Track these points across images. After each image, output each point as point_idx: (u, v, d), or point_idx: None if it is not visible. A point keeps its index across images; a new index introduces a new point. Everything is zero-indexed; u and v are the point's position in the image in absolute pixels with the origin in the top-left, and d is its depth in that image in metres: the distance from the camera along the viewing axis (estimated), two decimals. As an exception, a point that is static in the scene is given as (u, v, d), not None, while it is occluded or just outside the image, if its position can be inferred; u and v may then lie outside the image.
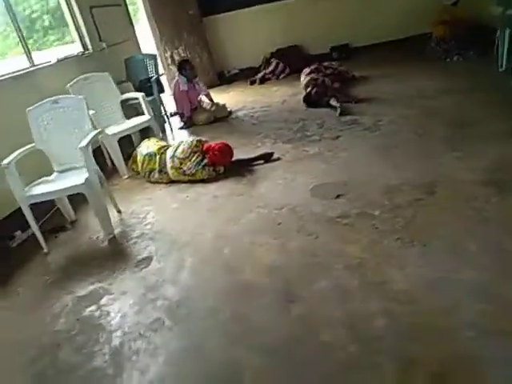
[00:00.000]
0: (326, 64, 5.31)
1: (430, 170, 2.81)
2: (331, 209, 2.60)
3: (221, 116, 4.99)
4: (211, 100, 5.15)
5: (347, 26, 6.56)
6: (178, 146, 3.49)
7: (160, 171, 3.50)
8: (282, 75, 6.40)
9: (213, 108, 5.00)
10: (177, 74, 4.89)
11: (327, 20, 6.56)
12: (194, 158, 3.39)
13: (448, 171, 2.74)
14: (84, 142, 2.73)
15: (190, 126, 4.97)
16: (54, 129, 2.98)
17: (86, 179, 2.67)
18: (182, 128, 4.97)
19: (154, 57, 5.13)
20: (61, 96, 3.02)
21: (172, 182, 3.52)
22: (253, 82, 6.42)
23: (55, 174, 3.03)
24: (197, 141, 3.47)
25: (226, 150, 3.42)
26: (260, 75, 6.47)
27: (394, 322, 1.69)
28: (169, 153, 3.50)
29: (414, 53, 5.95)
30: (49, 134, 2.98)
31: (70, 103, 2.99)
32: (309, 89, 4.69)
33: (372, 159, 3.16)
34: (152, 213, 3.08)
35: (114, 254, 2.66)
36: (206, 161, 3.38)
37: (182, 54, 6.43)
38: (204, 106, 5.07)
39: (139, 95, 3.99)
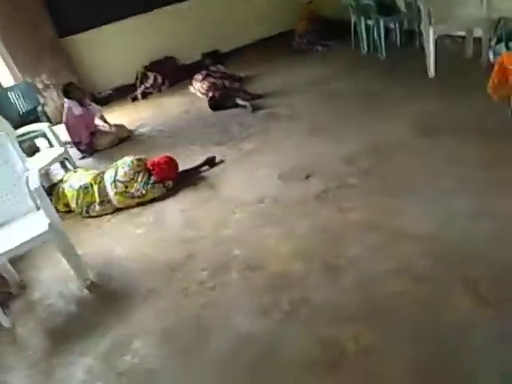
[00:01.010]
0: (213, 69, 5.42)
1: (369, 136, 3.19)
2: (310, 188, 2.75)
3: (124, 136, 4.67)
4: (106, 121, 4.77)
5: (215, 32, 6.76)
6: (117, 170, 3.17)
7: (101, 202, 3.13)
8: (164, 87, 6.28)
9: (113, 129, 4.64)
10: (65, 100, 4.37)
11: (195, 28, 6.65)
12: (139, 178, 3.13)
13: (384, 133, 3.16)
14: (34, 183, 2.28)
15: (91, 153, 4.51)
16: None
17: (50, 224, 2.25)
18: (83, 157, 4.48)
19: (30, 85, 4.49)
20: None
21: (117, 210, 3.20)
22: (134, 99, 6.13)
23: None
24: (137, 160, 3.21)
25: (172, 162, 3.26)
26: (140, 90, 6.21)
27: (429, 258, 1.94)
28: (108, 179, 3.15)
29: (282, 48, 6.50)
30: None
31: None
32: (211, 93, 4.75)
33: (312, 141, 3.41)
34: (119, 246, 2.74)
35: (106, 300, 2.31)
36: (153, 178, 3.16)
37: (47, 82, 5.73)
38: (102, 128, 4.66)
39: (44, 126, 3.48)
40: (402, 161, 2.77)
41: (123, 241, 2.79)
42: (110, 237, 2.89)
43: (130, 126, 4.93)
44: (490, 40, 3.60)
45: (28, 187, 2.42)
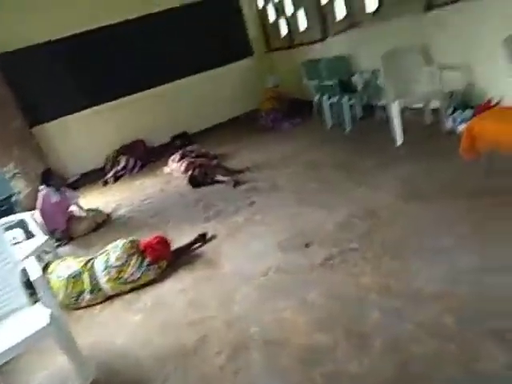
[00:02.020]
0: (189, 149, 5.57)
1: (356, 202, 3.32)
2: (313, 256, 2.75)
3: (101, 220, 4.54)
4: (81, 207, 4.64)
5: (184, 114, 7.10)
6: (108, 255, 3.04)
7: (92, 291, 2.93)
8: (135, 169, 6.31)
9: (90, 213, 4.51)
10: (42, 187, 4.25)
11: (164, 112, 6.95)
12: (133, 262, 3.00)
13: (371, 199, 3.31)
14: (36, 273, 2.13)
15: (68, 240, 4.31)
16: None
17: (52, 316, 2.07)
18: (59, 246, 4.25)
19: (2, 175, 4.34)
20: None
21: (108, 298, 3.00)
22: (106, 183, 6.09)
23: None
24: (130, 242, 3.10)
25: (165, 241, 3.18)
26: (111, 174, 6.20)
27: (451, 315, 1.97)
28: (99, 265, 2.99)
29: (251, 127, 6.87)
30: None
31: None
32: (190, 172, 4.82)
33: (301, 210, 3.49)
34: (119, 337, 2.53)
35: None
36: (147, 260, 3.04)
37: (15, 171, 5.58)
38: (77, 214, 4.51)
39: (26, 215, 3.32)
40: (395, 224, 2.87)
41: (123, 330, 2.59)
42: (108, 327, 2.67)
43: (105, 210, 4.84)
44: (446, 109, 4.03)
45: (23, 279, 2.26)
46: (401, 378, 1.73)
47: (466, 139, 2.98)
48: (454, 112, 3.97)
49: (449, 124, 4.01)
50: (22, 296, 2.35)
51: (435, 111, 4.24)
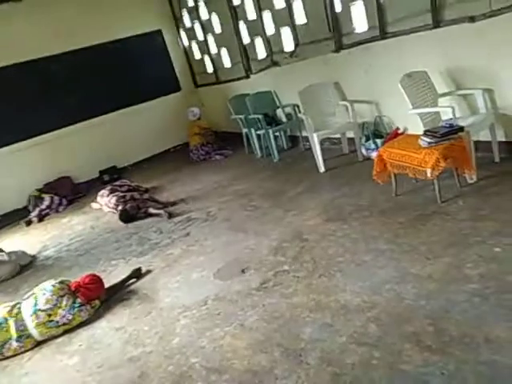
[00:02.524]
0: (118, 183, 5.47)
1: (286, 227, 3.52)
2: (249, 281, 2.87)
3: (26, 263, 4.27)
4: (1, 250, 4.34)
5: (111, 148, 6.97)
6: (37, 298, 2.88)
7: (19, 338, 2.75)
8: (61, 207, 6.03)
9: (12, 257, 4.22)
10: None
11: (90, 147, 6.77)
12: (64, 303, 2.87)
13: (299, 223, 3.53)
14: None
15: (-13, 288, 3.98)
16: None
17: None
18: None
19: None
20: None
21: (38, 344, 2.83)
22: (29, 223, 5.73)
23: None
24: (59, 283, 2.97)
25: (98, 280, 3.09)
26: (35, 213, 5.85)
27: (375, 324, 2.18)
28: (26, 310, 2.82)
29: (181, 160, 6.94)
30: None
31: None
32: (120, 206, 4.74)
33: (236, 237, 3.61)
34: (52, 383, 2.41)
35: None
36: (79, 300, 2.93)
37: None
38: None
39: None
40: (322, 244, 3.09)
41: (56, 376, 2.47)
42: (39, 375, 2.52)
43: (30, 251, 4.56)
44: (360, 139, 4.47)
45: None
46: (336, 388, 1.87)
47: (377, 165, 3.36)
48: (367, 141, 4.42)
49: (363, 152, 4.45)
50: None
51: (351, 140, 4.67)
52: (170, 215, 4.46)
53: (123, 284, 3.29)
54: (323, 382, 1.91)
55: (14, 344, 2.75)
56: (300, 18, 5.01)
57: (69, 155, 6.65)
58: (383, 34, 4.08)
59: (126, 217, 4.67)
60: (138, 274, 3.38)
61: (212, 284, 2.98)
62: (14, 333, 2.76)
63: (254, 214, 4.01)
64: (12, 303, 2.97)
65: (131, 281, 3.33)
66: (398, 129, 4.18)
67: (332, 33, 4.60)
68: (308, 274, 2.77)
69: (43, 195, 6.10)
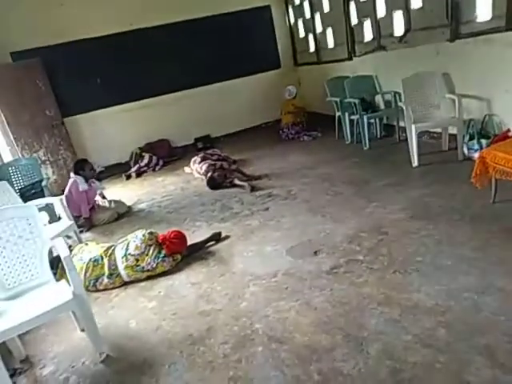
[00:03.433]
0: (210, 152, 5.79)
1: (366, 218, 3.46)
2: (320, 264, 2.90)
3: (123, 211, 4.77)
4: (104, 197, 4.89)
5: (207, 119, 7.36)
6: (128, 243, 3.24)
7: (110, 275, 3.13)
8: (158, 167, 6.57)
9: (112, 205, 4.74)
10: (72, 174, 4.50)
11: (189, 115, 7.23)
12: (150, 252, 3.20)
13: (380, 216, 3.44)
14: (65, 252, 2.33)
15: (89, 227, 4.54)
16: (-3, 247, 2.43)
17: (74, 293, 2.26)
18: (81, 232, 4.48)
19: (34, 160, 4.61)
20: (1, 207, 2.53)
21: (125, 284, 3.19)
22: (129, 177, 6.36)
23: (3, 303, 2.40)
24: (149, 233, 3.30)
25: (182, 236, 3.36)
26: (134, 169, 6.46)
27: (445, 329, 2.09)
28: (119, 252, 3.20)
29: (270, 137, 7.08)
30: (-9, 253, 2.41)
31: (15, 213, 2.52)
32: (210, 173, 5.02)
33: (313, 219, 3.64)
34: (132, 320, 2.71)
35: (126, 374, 2.24)
36: (164, 252, 3.23)
37: (44, 158, 5.89)
38: (101, 204, 4.75)
39: (55, 199, 3.55)
40: (401, 241, 3.00)
41: (136, 314, 2.77)
42: (122, 310, 2.86)
43: (127, 202, 5.07)
44: (464, 137, 4.15)
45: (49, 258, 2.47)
46: (391, 382, 1.86)
47: (478, 167, 3.11)
48: (470, 140, 4.09)
49: (464, 151, 4.13)
50: (49, 272, 2.56)
51: (452, 137, 4.35)
52: (253, 188, 4.62)
53: (203, 244, 3.53)
54: (381, 374, 1.91)
55: (106, 280, 3.14)
56: (416, 1, 4.70)
57: (169, 120, 7.16)
58: (509, 25, 3.68)
59: (214, 184, 4.94)
60: (217, 238, 3.60)
61: (284, 259, 3.07)
62: (106, 270, 3.15)
63: (335, 200, 3.98)
64: (108, 244, 3.37)
65: (211, 243, 3.56)
66: (508, 131, 3.80)
67: (449, 20, 4.26)
68: (382, 267, 2.72)
69: (144, 154, 6.68)
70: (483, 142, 3.93)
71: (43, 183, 4.34)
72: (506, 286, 2.29)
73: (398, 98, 5.05)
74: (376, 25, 5.48)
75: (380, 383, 1.86)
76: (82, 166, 4.52)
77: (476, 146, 3.97)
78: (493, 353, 1.88)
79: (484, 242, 2.74)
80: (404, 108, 4.23)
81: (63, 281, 2.51)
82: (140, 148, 6.84)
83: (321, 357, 2.07)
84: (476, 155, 3.80)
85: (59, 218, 4.05)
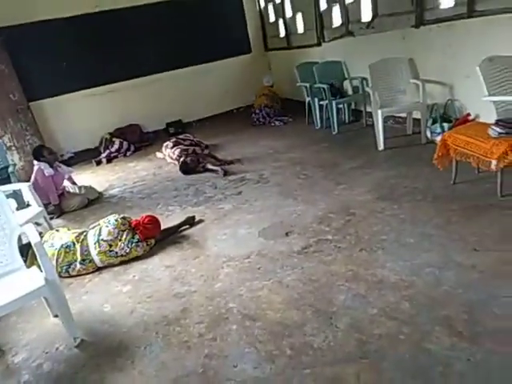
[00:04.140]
0: (182, 137, 5.75)
1: (335, 199, 3.58)
2: (291, 244, 3.00)
3: (94, 197, 4.71)
4: (74, 183, 4.80)
5: (179, 104, 7.27)
6: (101, 229, 3.22)
7: (83, 261, 3.12)
8: (129, 153, 6.48)
9: (83, 190, 4.66)
10: (35, 161, 4.38)
11: (160, 99, 7.12)
12: (124, 237, 3.19)
13: (348, 197, 3.57)
14: (35, 238, 2.31)
15: (59, 214, 4.46)
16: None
17: (46, 279, 2.25)
18: (51, 219, 4.39)
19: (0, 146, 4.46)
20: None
21: (98, 269, 3.19)
22: (99, 162, 6.25)
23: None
24: (122, 218, 3.29)
25: (156, 221, 3.37)
26: (104, 155, 6.35)
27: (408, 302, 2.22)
28: (91, 238, 3.18)
29: (242, 122, 7.10)
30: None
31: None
32: (182, 158, 5.01)
33: (284, 202, 3.73)
34: (107, 304, 2.73)
35: (101, 357, 2.27)
36: (137, 237, 3.24)
37: (9, 143, 5.69)
38: (70, 190, 4.66)
39: (23, 185, 3.47)
40: (368, 220, 3.13)
41: (110, 298, 2.79)
42: (96, 295, 2.87)
43: (98, 188, 5.00)
44: (427, 121, 4.31)
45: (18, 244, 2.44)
46: (359, 354, 1.98)
47: (440, 149, 3.26)
48: (433, 124, 4.26)
49: (427, 135, 4.30)
50: (19, 259, 2.53)
51: (416, 121, 4.52)
52: (226, 173, 4.66)
53: (177, 228, 3.56)
54: (349, 346, 2.02)
55: (78, 266, 3.13)
56: (383, -13, 4.79)
57: (140, 104, 7.04)
58: (470, 12, 3.82)
59: (186, 169, 4.94)
60: (191, 222, 3.63)
61: (256, 241, 3.15)
62: (79, 256, 3.13)
63: (305, 183, 4.08)
64: (79, 230, 3.34)
65: (184, 227, 3.59)
66: (468, 115, 3.99)
67: (414, 6, 4.37)
68: (349, 245, 2.84)
69: (114, 139, 6.57)
70: (445, 125, 4.11)
71: (9, 169, 4.21)
72: (464, 261, 2.45)
73: (365, 83, 5.17)
74: (344, 10, 5.54)
75: (348, 355, 1.97)
76: (40, 152, 4.42)
77: (438, 130, 4.14)
78: (451, 323, 2.03)
79: (445, 220, 2.91)
80: (371, 93, 4.35)
81: (34, 267, 2.49)
82: (110, 133, 6.71)
83: (292, 332, 2.17)
84: (438, 138, 3.97)
85: (28, 205, 3.98)
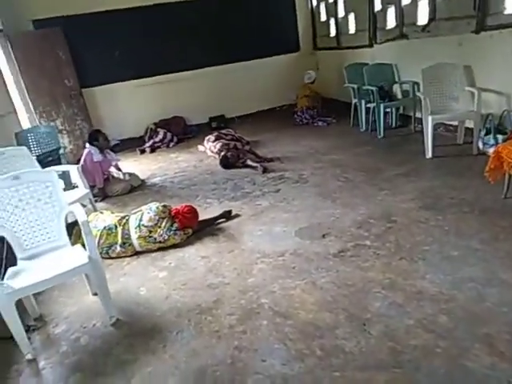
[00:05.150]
0: (224, 131, 5.82)
1: (376, 205, 3.49)
2: (328, 246, 2.96)
3: (136, 185, 4.86)
4: (119, 169, 4.97)
5: (223, 99, 7.37)
6: (142, 215, 3.32)
7: (123, 244, 3.23)
8: (172, 144, 6.63)
9: (127, 177, 4.82)
10: (87, 144, 4.58)
11: (205, 94, 7.24)
12: (163, 224, 3.27)
13: (390, 204, 3.47)
14: (83, 217, 2.41)
15: (103, 198, 4.64)
16: (17, 208, 2.51)
17: (90, 257, 2.35)
18: (95, 201, 4.58)
19: (52, 128, 4.69)
20: (23, 171, 2.60)
21: (136, 253, 3.29)
22: (143, 151, 6.44)
23: (21, 262, 2.50)
24: (163, 206, 3.38)
25: (194, 211, 3.43)
26: (149, 144, 6.53)
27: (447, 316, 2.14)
28: (132, 223, 3.28)
29: (284, 120, 7.08)
30: (11, 215, 2.50)
31: (36, 177, 2.60)
32: (223, 153, 5.07)
33: (323, 204, 3.69)
34: (143, 287, 2.81)
35: (134, 337, 2.34)
36: (176, 225, 3.31)
37: (61, 127, 5.98)
38: (116, 175, 4.84)
39: (72, 168, 3.63)
40: (410, 229, 3.03)
41: (147, 282, 2.87)
42: (133, 278, 2.96)
43: (141, 176, 5.15)
44: (480, 131, 4.12)
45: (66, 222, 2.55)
46: (392, 363, 1.92)
47: (493, 161, 3.11)
48: (486, 134, 4.06)
49: (479, 145, 4.11)
50: (65, 236, 2.65)
51: (468, 131, 4.33)
52: (265, 170, 4.66)
53: (214, 221, 3.60)
54: (381, 354, 1.97)
55: (118, 248, 3.24)
56: (443, -11, 4.62)
57: (186, 97, 7.18)
58: (537, 19, 3.62)
59: (226, 163, 4.99)
60: (228, 216, 3.66)
61: (292, 240, 3.13)
62: (119, 239, 3.24)
63: (346, 186, 4.01)
64: (122, 214, 3.46)
65: (221, 220, 3.63)
66: (526, 128, 3.78)
67: (476, 11, 4.18)
68: (389, 253, 2.76)
69: (158, 129, 6.73)
70: (499, 137, 3.90)
71: (60, 151, 4.42)
72: (510, 279, 2.33)
73: (416, 88, 5.01)
74: (400, 12, 5.39)
75: (380, 362, 1.93)
76: (95, 137, 4.59)
77: (492, 141, 3.94)
78: (492, 342, 1.93)
79: (492, 235, 2.77)
80: (422, 98, 4.21)
81: (79, 245, 2.60)
82: (155, 123, 6.89)
83: (323, 334, 2.14)
84: (491, 150, 3.78)
85: (74, 187, 4.16)
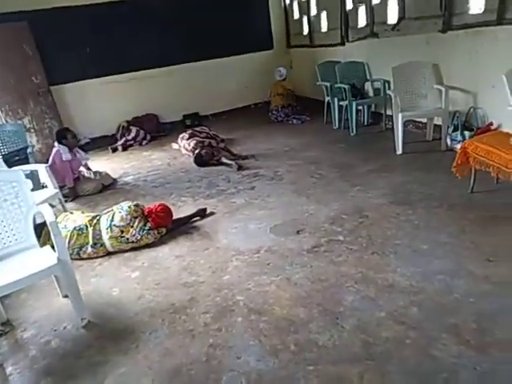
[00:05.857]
0: (198, 129, 5.77)
1: (348, 201, 3.55)
2: (302, 242, 2.98)
3: (108, 184, 4.75)
4: (89, 168, 4.86)
5: (196, 96, 7.30)
6: (114, 214, 3.25)
7: (94, 245, 3.15)
8: (145, 142, 6.52)
9: (97, 176, 4.71)
10: (56, 143, 4.45)
11: (179, 91, 7.16)
12: (136, 224, 3.22)
13: (362, 200, 3.53)
14: (51, 217, 2.34)
15: (74, 197, 4.52)
16: (-19, 209, 2.42)
17: (59, 258, 2.28)
18: (65, 201, 4.46)
19: (20, 126, 4.53)
20: (-14, 169, 2.51)
21: (109, 254, 3.22)
22: (115, 150, 6.31)
23: (-16, 265, 2.41)
24: (135, 205, 3.32)
25: (168, 210, 3.39)
26: (121, 142, 6.40)
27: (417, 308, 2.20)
28: (104, 223, 3.21)
29: (259, 118, 7.08)
30: (-26, 216, 2.40)
31: (1, 177, 2.50)
32: (197, 150, 5.03)
33: (297, 200, 3.71)
34: (115, 288, 2.75)
35: (106, 339, 2.29)
36: (149, 224, 3.26)
37: (28, 125, 5.78)
38: (86, 175, 4.72)
39: (40, 167, 3.52)
40: (381, 224, 3.09)
41: (119, 283, 2.81)
42: (105, 279, 2.90)
43: (113, 175, 5.04)
44: (448, 128, 4.25)
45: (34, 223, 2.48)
46: (364, 355, 1.96)
47: (460, 157, 3.21)
48: (454, 131, 4.19)
49: (447, 142, 4.24)
50: (33, 237, 2.57)
51: (437, 128, 4.45)
52: (240, 167, 4.66)
53: (189, 219, 3.57)
54: (354, 347, 2.00)
55: (89, 249, 3.16)
56: (412, -11, 4.73)
57: (159, 95, 7.08)
58: (500, 19, 3.74)
59: (201, 161, 4.96)
60: (202, 214, 3.64)
61: (267, 237, 3.14)
62: (90, 239, 3.16)
63: (320, 182, 4.05)
64: (93, 214, 3.38)
65: (196, 218, 3.60)
66: (491, 124, 3.91)
67: (443, 10, 4.30)
68: (361, 248, 2.81)
69: (131, 127, 6.62)
70: (466, 133, 4.04)
71: (28, 150, 4.28)
72: (476, 270, 2.41)
73: (387, 85, 5.11)
74: (370, 11, 5.49)
75: (353, 355, 1.96)
76: (63, 135, 4.47)
77: (459, 138, 4.07)
78: (459, 331, 2.00)
79: (460, 228, 2.86)
80: (392, 96, 4.30)
81: (48, 246, 2.53)
82: (127, 121, 6.76)
83: (298, 329, 2.16)
84: (458, 146, 3.91)
85: (43, 186, 4.03)
